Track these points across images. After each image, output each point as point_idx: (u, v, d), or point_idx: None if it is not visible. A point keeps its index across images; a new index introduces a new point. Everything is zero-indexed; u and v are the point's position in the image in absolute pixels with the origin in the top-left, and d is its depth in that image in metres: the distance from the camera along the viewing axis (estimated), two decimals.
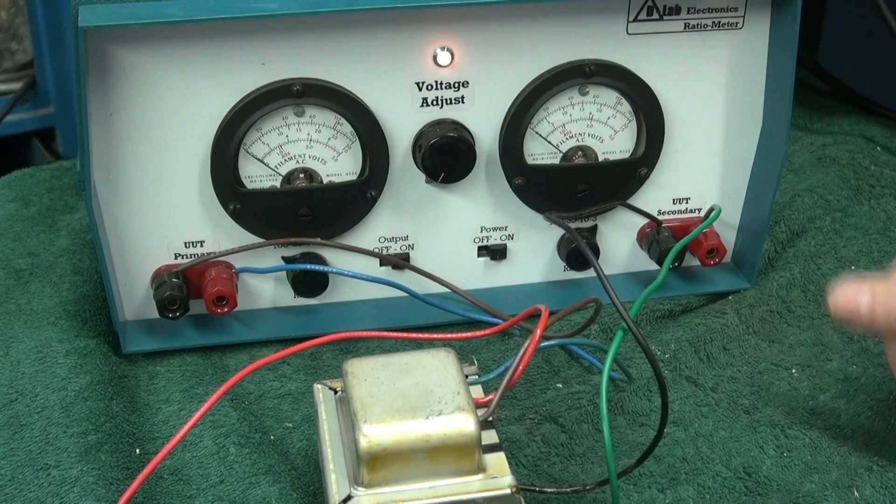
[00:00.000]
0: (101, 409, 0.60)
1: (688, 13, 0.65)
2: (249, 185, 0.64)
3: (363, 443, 0.46)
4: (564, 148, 0.67)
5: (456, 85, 0.64)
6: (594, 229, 0.70)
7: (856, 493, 0.56)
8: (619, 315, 0.52)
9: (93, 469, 0.56)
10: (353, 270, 0.66)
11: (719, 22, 0.65)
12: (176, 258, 0.66)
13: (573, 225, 0.69)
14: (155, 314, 0.66)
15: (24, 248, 0.75)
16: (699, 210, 0.71)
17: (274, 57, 0.61)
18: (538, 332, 0.51)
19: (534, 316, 0.54)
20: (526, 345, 0.51)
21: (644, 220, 0.71)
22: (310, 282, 0.67)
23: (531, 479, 0.57)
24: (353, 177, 0.65)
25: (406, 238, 0.69)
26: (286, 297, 0.69)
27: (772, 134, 0.67)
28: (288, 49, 0.61)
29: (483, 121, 0.65)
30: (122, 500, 0.48)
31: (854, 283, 0.53)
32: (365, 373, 0.50)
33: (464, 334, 0.55)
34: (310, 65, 0.61)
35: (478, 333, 0.55)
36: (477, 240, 0.70)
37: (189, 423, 0.49)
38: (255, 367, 0.51)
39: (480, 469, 0.48)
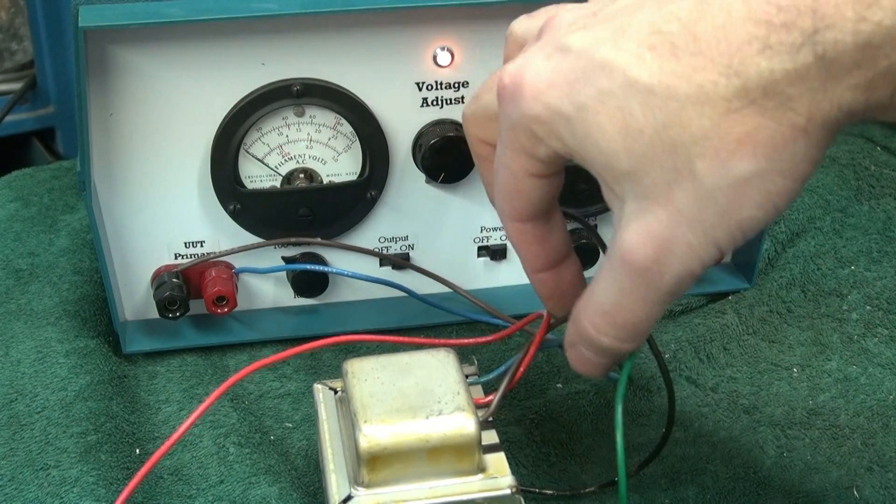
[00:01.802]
0: (101, 409, 0.60)
1: None
2: (249, 185, 0.64)
3: (363, 443, 0.46)
4: None
5: (456, 85, 0.64)
6: (594, 229, 0.70)
7: (856, 493, 0.56)
8: None
9: (93, 469, 0.56)
10: (353, 270, 0.66)
11: None
12: (176, 258, 0.66)
13: (572, 225, 0.69)
14: (155, 314, 0.66)
15: (24, 248, 0.75)
16: None
17: (274, 57, 0.61)
18: (539, 336, 0.51)
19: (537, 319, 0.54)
20: (527, 348, 0.51)
21: None
22: (310, 282, 0.67)
23: (531, 479, 0.57)
24: (353, 177, 0.65)
25: (406, 238, 0.69)
26: (286, 297, 0.69)
27: None
28: (288, 49, 0.61)
29: None
30: (120, 500, 0.48)
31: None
32: (365, 373, 0.50)
33: (467, 340, 0.55)
34: (310, 65, 0.61)
35: (480, 340, 0.55)
36: (477, 240, 0.70)
37: (187, 422, 0.49)
38: (254, 367, 0.51)
39: (480, 469, 0.48)
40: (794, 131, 0.35)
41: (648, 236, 0.38)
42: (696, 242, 0.38)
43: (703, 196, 0.37)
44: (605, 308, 0.42)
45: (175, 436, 0.48)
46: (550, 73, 0.39)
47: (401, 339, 0.54)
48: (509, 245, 0.70)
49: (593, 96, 0.38)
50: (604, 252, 0.56)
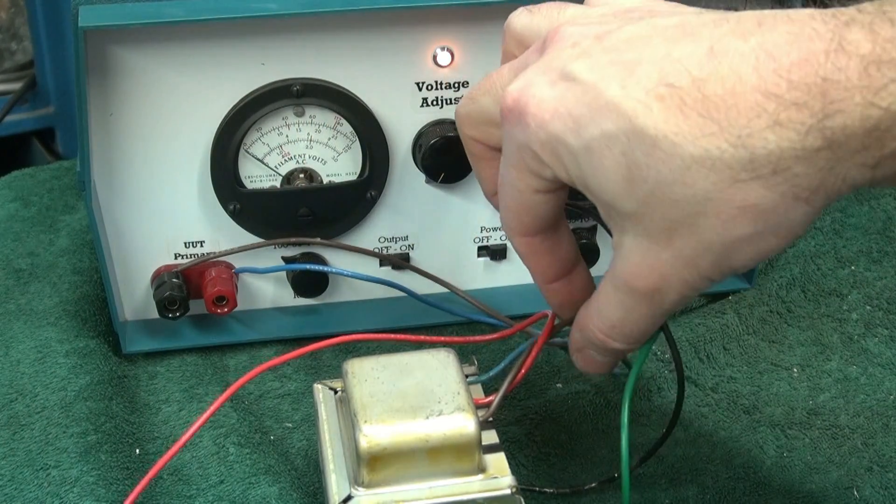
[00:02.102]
0: (101, 409, 0.60)
1: None
2: (249, 185, 0.64)
3: (363, 443, 0.46)
4: None
5: (456, 85, 0.64)
6: (594, 229, 0.70)
7: (856, 493, 0.56)
8: None
9: (93, 469, 0.56)
10: (353, 270, 0.66)
11: None
12: (176, 258, 0.66)
13: (572, 225, 0.69)
14: (155, 314, 0.66)
15: (24, 248, 0.75)
16: None
17: (274, 57, 0.61)
18: (542, 338, 0.51)
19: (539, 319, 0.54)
20: (529, 349, 0.51)
21: None
22: (310, 282, 0.67)
23: (531, 479, 0.57)
24: (353, 177, 0.65)
25: (406, 238, 0.69)
26: (286, 297, 0.69)
27: None
28: (288, 49, 0.61)
29: None
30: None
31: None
32: (365, 373, 0.50)
33: (469, 338, 0.55)
34: (310, 65, 0.61)
35: (486, 337, 0.55)
36: (477, 240, 0.70)
37: (191, 429, 0.49)
38: (259, 370, 0.51)
39: (480, 469, 0.48)
40: (797, 202, 0.36)
41: (649, 269, 0.40)
42: (691, 279, 0.39)
43: (700, 247, 0.38)
44: (613, 322, 0.43)
45: (178, 445, 0.48)
46: (555, 102, 0.39)
47: (402, 337, 0.54)
48: (509, 245, 0.70)
49: (598, 138, 0.38)
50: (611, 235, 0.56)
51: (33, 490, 0.55)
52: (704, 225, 0.37)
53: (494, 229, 0.69)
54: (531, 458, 0.58)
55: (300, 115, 0.63)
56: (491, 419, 0.50)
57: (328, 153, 0.64)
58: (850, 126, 0.34)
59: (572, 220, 0.69)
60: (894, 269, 0.73)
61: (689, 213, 0.37)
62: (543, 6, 0.46)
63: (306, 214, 0.65)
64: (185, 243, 0.66)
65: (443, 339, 0.54)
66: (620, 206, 0.39)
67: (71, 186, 0.82)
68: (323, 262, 0.68)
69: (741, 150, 0.35)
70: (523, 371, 0.51)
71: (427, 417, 0.47)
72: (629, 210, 0.39)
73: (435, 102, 0.64)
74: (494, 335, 0.54)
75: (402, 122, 0.64)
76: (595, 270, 0.71)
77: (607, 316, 0.43)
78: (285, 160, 0.64)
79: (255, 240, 0.66)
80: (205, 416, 0.49)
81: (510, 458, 0.50)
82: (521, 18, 0.47)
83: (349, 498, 0.47)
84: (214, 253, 0.66)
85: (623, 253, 0.40)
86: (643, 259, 0.40)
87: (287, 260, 0.67)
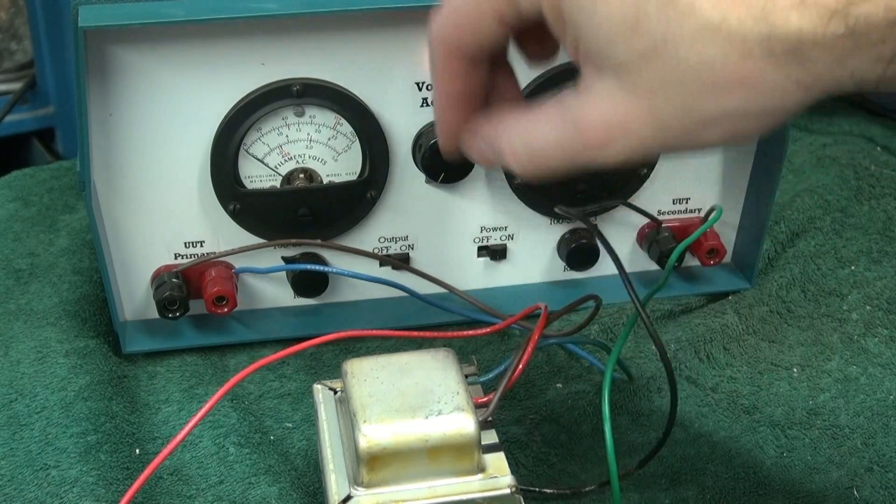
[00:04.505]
0: (100, 409, 0.60)
1: None
2: (249, 185, 0.64)
3: (363, 443, 0.46)
4: None
5: None
6: (594, 229, 0.70)
7: (856, 493, 0.56)
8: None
9: (92, 469, 0.56)
10: (353, 270, 0.66)
11: None
12: (176, 258, 0.66)
13: (570, 224, 0.69)
14: (155, 314, 0.66)
15: (24, 248, 0.75)
16: (699, 210, 0.71)
17: (274, 57, 0.61)
18: (537, 331, 0.51)
19: (533, 315, 0.54)
20: (525, 345, 0.51)
21: (644, 220, 0.71)
22: (310, 282, 0.67)
23: (531, 479, 0.57)
24: (353, 177, 0.65)
25: (406, 238, 0.69)
26: (286, 297, 0.69)
27: (772, 134, 0.67)
28: (288, 49, 0.61)
29: None
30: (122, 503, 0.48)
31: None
32: (364, 373, 0.50)
33: (464, 332, 0.55)
34: (310, 65, 0.61)
35: (478, 332, 0.55)
36: (477, 240, 0.70)
37: (189, 425, 0.49)
38: (255, 367, 0.51)
39: (480, 469, 0.48)
40: (798, 87, 0.35)
41: (613, 121, 0.38)
42: (650, 141, 0.38)
43: (681, 111, 0.36)
44: (534, 148, 0.41)
45: (174, 442, 0.48)
46: None
47: (399, 333, 0.54)
48: (509, 245, 0.70)
49: None
50: (606, 249, 0.56)
51: (33, 490, 0.55)
52: (697, 91, 0.36)
53: (494, 229, 0.69)
54: (531, 458, 0.58)
55: (300, 115, 0.63)
56: (490, 419, 0.50)
57: (328, 153, 0.64)
58: (874, 15, 0.33)
59: (573, 220, 0.69)
60: (894, 269, 0.73)
61: (686, 78, 0.36)
62: None
63: (306, 214, 0.65)
64: (185, 243, 0.66)
65: (437, 334, 0.54)
66: (612, 52, 0.37)
67: (71, 186, 0.82)
68: (323, 262, 0.68)
69: (761, 24, 0.34)
70: (521, 367, 0.51)
71: (426, 417, 0.47)
72: (620, 59, 0.37)
73: None
74: (487, 329, 0.54)
75: (402, 122, 0.64)
76: (594, 271, 0.72)
77: (532, 140, 0.41)
78: (285, 160, 0.64)
79: (255, 240, 0.66)
80: (201, 412, 0.49)
81: (510, 458, 0.50)
82: None
83: (349, 498, 0.47)
84: (214, 253, 0.66)
85: (590, 97, 0.38)
86: (611, 110, 0.38)
87: (287, 260, 0.67)
